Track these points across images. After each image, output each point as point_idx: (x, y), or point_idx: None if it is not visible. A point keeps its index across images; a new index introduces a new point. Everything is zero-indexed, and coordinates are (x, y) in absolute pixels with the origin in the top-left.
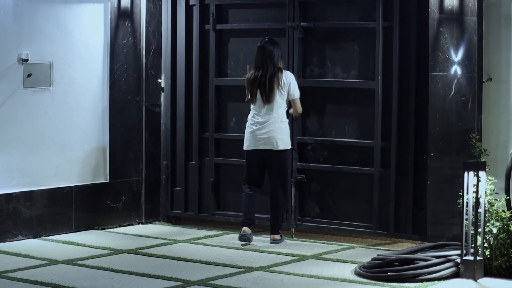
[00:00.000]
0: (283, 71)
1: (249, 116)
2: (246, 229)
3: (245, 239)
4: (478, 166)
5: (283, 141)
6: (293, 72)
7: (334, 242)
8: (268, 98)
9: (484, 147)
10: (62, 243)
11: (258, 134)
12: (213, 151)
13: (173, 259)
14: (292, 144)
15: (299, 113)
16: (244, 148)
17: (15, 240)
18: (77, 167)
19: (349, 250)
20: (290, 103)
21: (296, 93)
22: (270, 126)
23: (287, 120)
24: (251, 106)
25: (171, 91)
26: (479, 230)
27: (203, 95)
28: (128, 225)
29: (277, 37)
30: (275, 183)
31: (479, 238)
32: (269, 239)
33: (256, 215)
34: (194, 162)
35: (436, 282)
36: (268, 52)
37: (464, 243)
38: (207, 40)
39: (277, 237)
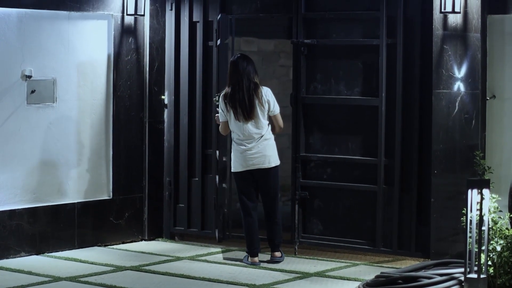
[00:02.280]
0: (261, 86)
1: (233, 137)
2: (256, 259)
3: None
4: (482, 184)
5: (274, 157)
6: (296, 89)
7: (337, 259)
8: (249, 114)
9: (488, 164)
10: (65, 259)
11: (249, 154)
12: (216, 168)
13: (176, 276)
14: (296, 161)
15: (281, 128)
16: (233, 171)
17: (18, 257)
18: (80, 184)
19: (352, 268)
20: (270, 119)
21: (276, 108)
22: (259, 145)
23: (272, 136)
24: (232, 126)
25: (174, 107)
26: (483, 248)
27: (206, 112)
28: (131, 241)
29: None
30: (271, 200)
31: (482, 256)
32: (269, 255)
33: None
34: (197, 178)
35: None
36: (242, 66)
37: (467, 261)
38: (210, 56)
39: (278, 254)
